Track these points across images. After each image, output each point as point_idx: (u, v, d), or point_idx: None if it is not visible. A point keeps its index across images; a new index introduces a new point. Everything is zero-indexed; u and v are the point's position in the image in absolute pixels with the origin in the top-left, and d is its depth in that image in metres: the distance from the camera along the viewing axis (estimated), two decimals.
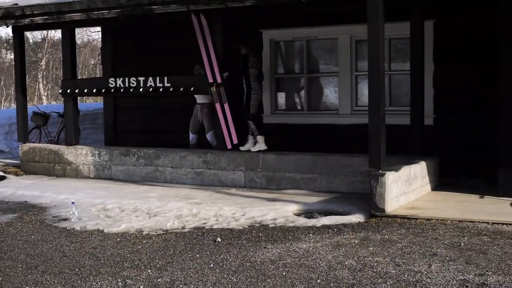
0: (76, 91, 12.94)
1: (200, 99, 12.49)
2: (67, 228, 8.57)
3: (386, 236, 7.38)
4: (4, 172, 13.65)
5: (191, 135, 12.75)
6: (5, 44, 54.05)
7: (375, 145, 8.44)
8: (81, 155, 13.04)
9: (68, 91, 13.05)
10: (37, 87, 39.00)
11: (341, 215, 8.65)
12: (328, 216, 8.48)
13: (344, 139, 11.81)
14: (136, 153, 12.41)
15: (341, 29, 11.88)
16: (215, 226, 8.27)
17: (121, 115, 14.30)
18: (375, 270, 6.12)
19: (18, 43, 13.73)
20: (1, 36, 51.01)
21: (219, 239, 7.53)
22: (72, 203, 9.18)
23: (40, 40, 40.72)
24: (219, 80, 11.38)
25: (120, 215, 9.14)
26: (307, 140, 12.14)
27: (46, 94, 38.66)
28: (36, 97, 38.93)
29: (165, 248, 7.27)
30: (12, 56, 51.26)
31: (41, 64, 38.38)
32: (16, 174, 13.57)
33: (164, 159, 12.09)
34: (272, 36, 12.61)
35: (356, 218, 8.37)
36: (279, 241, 7.36)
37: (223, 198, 10.00)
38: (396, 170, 8.67)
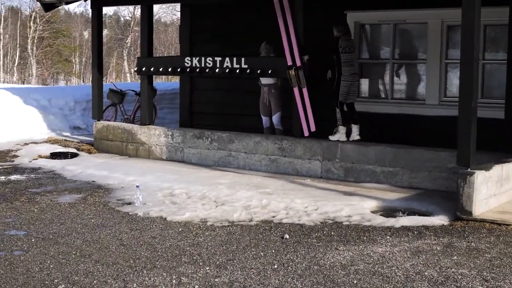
0: (151, 69, 12.56)
1: (265, 80, 11.86)
2: (130, 213, 8.17)
3: (472, 243, 6.62)
4: (78, 149, 13.46)
5: (263, 118, 12.17)
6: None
7: (465, 141, 7.64)
8: (154, 136, 12.68)
9: (143, 69, 12.69)
10: (123, 64, 39.35)
11: (423, 215, 7.92)
12: (409, 216, 7.76)
13: (429, 132, 10.98)
14: (209, 136, 11.94)
15: (432, 13, 11.01)
16: (284, 221, 7.68)
17: (197, 96, 13.85)
18: (459, 285, 5.40)
19: (96, 18, 13.44)
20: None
21: (287, 236, 6.94)
22: (137, 186, 8.77)
23: (129, 18, 41.03)
24: (298, 63, 10.74)
25: (186, 202, 8.68)
26: (390, 131, 11.35)
27: (130, 72, 38.95)
28: (122, 74, 39.32)
29: (228, 243, 6.74)
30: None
31: (126, 42, 38.62)
32: (89, 152, 13.35)
33: (238, 144, 11.57)
34: (357, 19, 11.84)
35: (440, 220, 7.61)
36: (352, 242, 6.71)
37: (296, 189, 9.39)
38: (487, 169, 7.85)
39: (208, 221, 7.71)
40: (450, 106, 10.75)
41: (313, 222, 7.56)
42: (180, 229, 7.34)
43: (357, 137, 10.78)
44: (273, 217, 7.87)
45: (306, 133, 10.87)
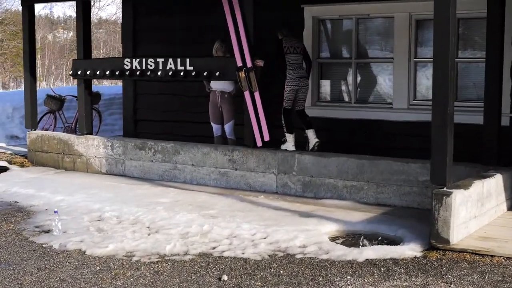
0: (88, 72, 11.18)
1: (218, 84, 10.56)
2: (44, 245, 6.82)
3: (452, 286, 5.38)
4: (9, 162, 12.04)
5: (214, 126, 10.87)
6: (62, 24, 53.17)
7: (440, 154, 6.42)
8: (92, 147, 11.31)
9: (79, 72, 11.31)
10: None
11: (392, 243, 6.69)
12: (374, 246, 6.51)
13: (398, 139, 9.80)
14: (153, 146, 10.62)
15: (398, 6, 9.80)
16: (226, 253, 6.39)
17: (142, 102, 12.51)
18: None
19: (28, 16, 12.04)
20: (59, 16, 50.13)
21: (225, 277, 5.64)
22: (55, 212, 7.41)
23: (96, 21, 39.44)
24: (249, 64, 9.47)
25: (114, 229, 7.35)
26: (354, 139, 10.16)
27: None
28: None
29: None
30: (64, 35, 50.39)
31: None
32: (22, 166, 11.94)
33: (184, 156, 10.27)
34: (316, 13, 10.59)
35: (411, 250, 6.37)
36: (304, 285, 5.44)
37: (246, 210, 8.11)
38: (466, 187, 6.64)
39: (135, 255, 6.39)
40: (420, 110, 9.58)
41: (260, 256, 6.28)
42: (98, 268, 6.02)
43: (316, 140, 9.72)
44: (214, 248, 6.57)
45: (259, 143, 9.61)
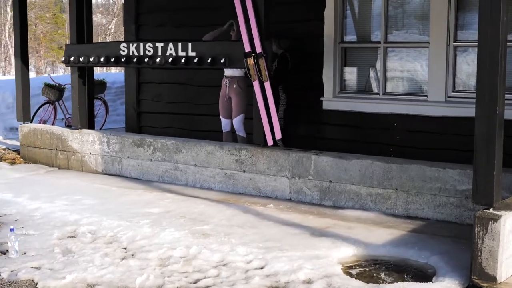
0: (81, 59, 9.88)
1: (228, 70, 9.23)
2: None
3: None
4: (0, 158, 10.86)
5: (223, 121, 9.52)
6: (101, 9, 52.04)
7: (485, 168, 4.95)
8: (87, 143, 10.05)
9: (72, 59, 10.02)
10: None
11: (421, 278, 5.28)
12: (399, 284, 5.07)
13: (433, 138, 8.32)
14: (151, 143, 9.31)
15: None
16: None
17: (146, 92, 11.18)
18: None
19: None
20: None
21: None
22: (11, 230, 6.12)
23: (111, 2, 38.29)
24: (259, 49, 8.06)
25: (84, 251, 6.05)
26: (381, 137, 8.70)
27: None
28: None
29: None
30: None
31: (110, 27, 35.89)
32: (13, 162, 10.76)
33: (186, 154, 8.93)
34: None
35: (447, 286, 4.94)
36: None
37: (247, 226, 6.73)
38: None
39: None
40: (460, 104, 8.08)
41: None
42: None
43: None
44: (195, 282, 5.22)
45: (269, 142, 8.22)
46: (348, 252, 5.86)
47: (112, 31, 36.14)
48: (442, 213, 7.02)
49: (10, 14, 37.95)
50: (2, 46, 42.91)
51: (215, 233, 6.41)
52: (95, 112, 12.83)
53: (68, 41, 10.54)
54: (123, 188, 8.71)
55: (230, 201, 7.93)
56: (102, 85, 13.23)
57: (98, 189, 8.65)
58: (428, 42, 8.38)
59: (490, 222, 4.83)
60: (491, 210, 4.94)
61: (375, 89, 8.96)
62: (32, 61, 44.84)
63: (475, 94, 7.81)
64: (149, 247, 6.06)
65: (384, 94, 8.81)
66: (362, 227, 6.65)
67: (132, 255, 5.91)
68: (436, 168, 7.06)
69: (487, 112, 4.85)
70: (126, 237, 6.40)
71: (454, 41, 8.17)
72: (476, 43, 7.76)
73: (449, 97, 8.24)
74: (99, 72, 17.71)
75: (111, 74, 16.31)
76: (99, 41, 36.64)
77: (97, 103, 13.23)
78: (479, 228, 4.88)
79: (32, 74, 37.33)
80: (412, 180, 7.19)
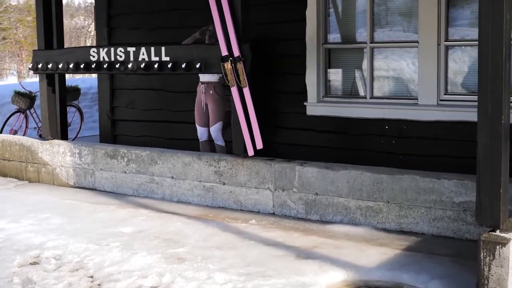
0: (49, 66, 9.27)
1: (204, 76, 8.68)
2: None
3: None
4: None
5: (199, 129, 8.96)
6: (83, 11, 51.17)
7: (490, 184, 4.41)
8: (58, 154, 9.45)
9: (40, 66, 9.41)
10: None
11: None
12: None
13: (425, 145, 7.78)
14: (125, 154, 8.72)
15: None
16: None
17: (120, 98, 10.58)
18: None
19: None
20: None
21: None
22: None
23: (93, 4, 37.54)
24: (236, 52, 7.49)
25: (45, 281, 5.47)
26: (369, 144, 8.16)
27: None
28: None
29: None
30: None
31: (89, 30, 35.17)
32: None
33: (162, 166, 8.36)
34: None
35: None
36: None
37: (226, 247, 6.15)
38: None
39: None
40: (453, 108, 7.55)
41: None
42: None
43: None
44: None
45: (250, 152, 7.66)
46: (338, 277, 5.31)
47: (92, 34, 35.42)
48: (438, 227, 6.49)
49: None
50: None
51: (191, 257, 5.84)
52: (70, 120, 12.26)
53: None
54: (95, 204, 8.12)
55: (209, 216, 7.37)
56: (75, 91, 12.64)
57: (67, 206, 8.06)
58: (417, 42, 7.85)
59: (498, 247, 4.30)
60: (497, 233, 4.41)
61: (362, 93, 8.42)
62: (13, 65, 44.05)
63: (469, 97, 7.41)
64: (118, 275, 5.49)
65: (371, 97, 8.26)
66: (352, 246, 6.10)
67: (99, 285, 5.34)
68: (430, 178, 6.53)
69: (491, 122, 4.31)
70: (93, 263, 5.82)
71: (446, 40, 7.64)
72: (470, 42, 7.34)
73: (441, 100, 7.70)
74: (74, 78, 17.05)
75: (88, 79, 15.69)
76: (81, 45, 36.02)
77: (72, 110, 12.64)
78: (485, 254, 4.34)
79: (13, 79, 36.54)
80: (404, 192, 6.66)
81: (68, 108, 12.56)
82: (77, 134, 12.62)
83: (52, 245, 6.39)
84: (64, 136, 9.75)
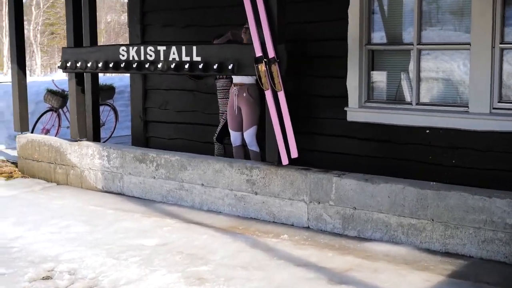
0: (78, 64, 8.89)
1: (237, 77, 8.18)
2: None
3: None
4: None
5: (232, 134, 8.47)
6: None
7: None
8: (86, 156, 9.07)
9: (69, 64, 9.04)
10: None
11: None
12: None
13: (476, 158, 7.14)
14: (155, 159, 8.29)
15: None
16: None
17: (153, 99, 10.15)
18: None
19: None
20: None
21: None
22: None
23: None
24: (271, 54, 6.97)
25: None
26: (414, 154, 7.55)
27: None
28: None
29: None
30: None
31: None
32: (9, 177, 9.86)
33: (192, 172, 7.89)
34: None
35: None
36: None
37: (252, 267, 5.64)
38: None
39: None
40: (508, 116, 6.89)
41: None
42: None
43: None
44: None
45: (285, 161, 7.13)
46: None
47: None
48: (488, 250, 5.87)
49: (34, 13, 37.38)
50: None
51: (213, 278, 5.35)
52: (104, 120, 11.91)
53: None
54: (120, 211, 7.70)
55: (238, 229, 6.87)
56: (110, 90, 12.27)
57: (91, 213, 7.65)
58: (469, 44, 7.20)
59: None
60: None
61: (407, 98, 7.80)
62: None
63: None
64: None
65: (417, 104, 7.64)
66: (391, 270, 5.53)
67: None
68: (480, 196, 5.91)
69: None
70: (108, 280, 5.38)
71: (501, 42, 6.98)
72: None
73: (494, 108, 7.05)
74: (110, 76, 16.76)
75: (125, 78, 15.33)
76: (121, 42, 35.72)
77: (106, 109, 12.28)
78: None
79: (60, 75, 36.71)
80: (451, 210, 6.05)
81: (102, 107, 12.23)
82: (112, 134, 12.26)
83: (68, 258, 5.99)
84: (96, 138, 9.35)
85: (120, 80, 14.39)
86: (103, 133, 12.15)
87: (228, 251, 6.07)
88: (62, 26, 40.53)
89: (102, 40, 43.47)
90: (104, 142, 11.75)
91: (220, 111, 8.86)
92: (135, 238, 6.54)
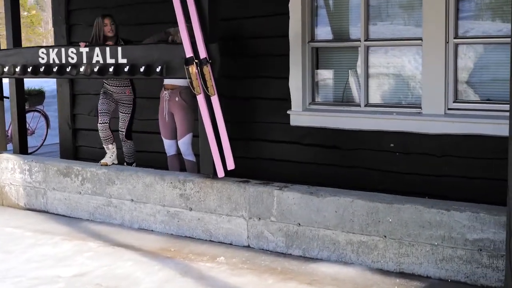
0: None
1: (168, 80, 7.39)
2: None
3: None
4: None
5: (166, 142, 7.68)
6: None
7: None
8: (6, 170, 8.20)
9: None
10: None
11: None
12: None
13: (430, 162, 6.50)
14: (80, 173, 7.47)
15: None
16: None
17: (81, 105, 9.30)
18: None
19: None
20: None
21: None
22: None
23: None
24: (203, 54, 6.22)
25: None
26: (364, 160, 6.88)
27: None
28: None
29: None
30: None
31: None
32: None
33: (121, 187, 7.10)
34: None
35: None
36: None
37: None
38: None
39: None
40: (464, 118, 6.27)
41: None
42: None
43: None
44: None
45: (220, 173, 6.38)
46: None
47: None
48: (447, 269, 5.23)
49: None
50: None
51: None
52: (34, 127, 11.03)
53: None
54: (39, 233, 6.86)
55: (170, 252, 6.11)
56: (39, 95, 11.41)
57: (7, 236, 6.81)
58: (421, 39, 6.55)
59: None
60: None
61: (355, 100, 7.13)
62: None
63: (485, 105, 6.14)
64: None
65: (366, 105, 6.97)
66: None
67: None
68: (437, 209, 5.27)
69: None
70: None
71: (455, 37, 6.34)
72: (488, 39, 6.06)
73: (449, 109, 6.42)
74: (41, 80, 15.74)
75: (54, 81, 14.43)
76: None
77: (36, 115, 11.40)
78: None
79: None
80: (405, 225, 5.39)
81: (31, 113, 11.36)
82: (43, 142, 11.37)
83: None
84: (23, 148, 8.45)
85: (54, 83, 13.47)
86: (34, 141, 11.28)
87: (154, 281, 5.30)
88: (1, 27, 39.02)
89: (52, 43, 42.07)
90: (35, 151, 10.91)
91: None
92: (51, 267, 5.73)
